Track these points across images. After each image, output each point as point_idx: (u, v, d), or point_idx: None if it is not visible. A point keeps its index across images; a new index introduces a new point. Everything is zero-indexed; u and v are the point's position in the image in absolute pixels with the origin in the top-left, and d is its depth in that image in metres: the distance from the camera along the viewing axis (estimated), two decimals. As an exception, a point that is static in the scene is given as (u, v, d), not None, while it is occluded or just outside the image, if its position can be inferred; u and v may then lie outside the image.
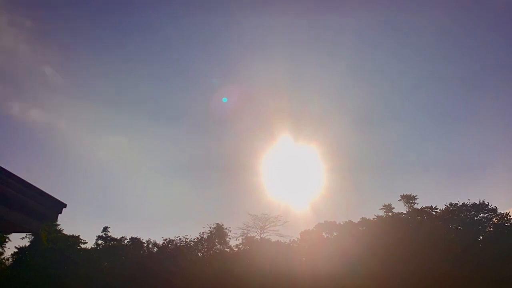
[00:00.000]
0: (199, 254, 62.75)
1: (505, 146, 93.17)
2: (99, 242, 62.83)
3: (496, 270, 43.69)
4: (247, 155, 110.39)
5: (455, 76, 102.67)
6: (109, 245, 62.25)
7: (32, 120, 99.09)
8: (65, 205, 7.46)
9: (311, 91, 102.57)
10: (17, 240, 57.88)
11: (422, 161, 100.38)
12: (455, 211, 54.77)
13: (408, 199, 59.17)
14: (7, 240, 54.58)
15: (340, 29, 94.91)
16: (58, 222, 56.54)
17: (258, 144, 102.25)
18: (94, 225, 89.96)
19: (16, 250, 56.18)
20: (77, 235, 60.91)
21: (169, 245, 61.06)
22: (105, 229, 63.47)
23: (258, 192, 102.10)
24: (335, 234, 60.41)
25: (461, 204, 54.91)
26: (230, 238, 63.31)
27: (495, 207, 53.42)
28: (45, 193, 6.93)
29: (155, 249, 61.74)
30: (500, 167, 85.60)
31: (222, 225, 63.19)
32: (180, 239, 61.58)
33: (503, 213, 52.84)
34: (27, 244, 56.46)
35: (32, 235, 54.10)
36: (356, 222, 59.85)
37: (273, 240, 61.80)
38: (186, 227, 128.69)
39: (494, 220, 53.20)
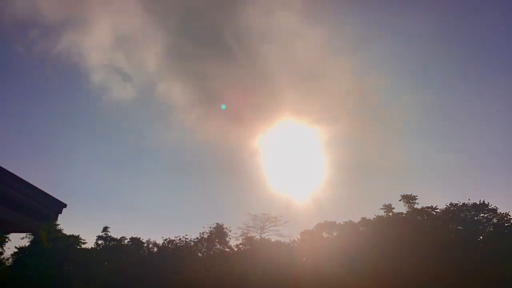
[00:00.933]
0: (199, 254, 62.75)
1: (505, 146, 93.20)
2: (99, 242, 62.82)
3: (496, 270, 43.70)
4: (247, 154, 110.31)
5: (455, 76, 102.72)
6: (109, 245, 62.24)
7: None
8: (65, 205, 7.45)
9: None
10: (17, 240, 57.92)
11: (422, 161, 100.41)
12: (455, 211, 54.75)
13: (408, 199, 59.12)
14: (7, 240, 54.43)
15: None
16: (58, 222, 56.48)
17: (257, 141, 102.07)
18: (94, 225, 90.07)
19: (16, 250, 56.21)
20: (77, 235, 60.90)
21: (169, 245, 61.06)
22: (105, 229, 63.48)
23: (258, 191, 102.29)
24: (335, 234, 60.40)
25: (461, 204, 54.88)
26: (230, 238, 63.39)
27: (495, 207, 53.44)
28: (45, 193, 6.92)
29: (155, 249, 61.75)
30: (500, 167, 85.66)
31: (222, 225, 63.25)
32: (180, 239, 61.63)
33: (503, 213, 52.84)
34: (27, 244, 56.49)
35: (32, 235, 54.09)
36: (356, 222, 59.85)
37: (273, 240, 61.88)
38: (186, 227, 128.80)
39: (494, 220, 53.17)
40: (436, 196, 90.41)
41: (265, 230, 64.25)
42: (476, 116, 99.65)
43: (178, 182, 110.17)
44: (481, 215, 53.84)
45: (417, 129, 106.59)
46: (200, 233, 62.69)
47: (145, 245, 62.59)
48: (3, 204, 6.26)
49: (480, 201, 54.15)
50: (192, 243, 61.96)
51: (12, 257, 55.97)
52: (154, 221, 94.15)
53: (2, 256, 55.13)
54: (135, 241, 62.52)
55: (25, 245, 56.48)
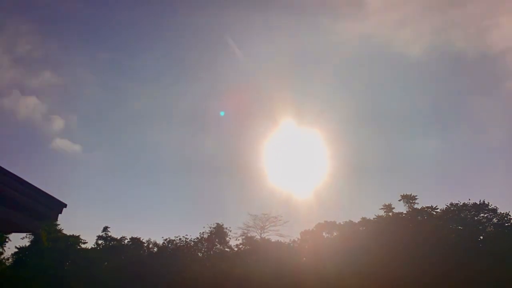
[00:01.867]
0: (199, 254, 62.78)
1: (505, 146, 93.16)
2: (99, 242, 62.87)
3: (497, 270, 43.69)
4: (246, 153, 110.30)
5: (455, 75, 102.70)
6: (109, 245, 62.27)
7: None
8: (65, 205, 7.43)
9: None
10: (17, 240, 57.97)
11: (422, 161, 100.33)
12: (455, 211, 54.72)
13: (408, 199, 59.07)
14: (7, 240, 54.59)
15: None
16: (58, 222, 56.55)
17: (257, 141, 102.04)
18: (94, 225, 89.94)
19: (16, 250, 56.29)
20: (77, 235, 60.95)
21: (169, 245, 61.09)
22: (105, 229, 63.52)
23: (258, 191, 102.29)
24: (335, 234, 60.39)
25: (461, 204, 54.82)
26: (230, 238, 63.41)
27: (495, 207, 53.38)
28: (45, 193, 6.91)
29: (155, 249, 61.77)
30: (500, 167, 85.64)
31: (222, 225, 63.26)
32: (180, 239, 61.66)
33: (503, 213, 52.80)
34: (27, 244, 56.55)
35: (32, 235, 54.14)
36: (357, 222, 59.80)
37: (273, 240, 61.88)
38: (186, 227, 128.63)
39: (495, 220, 53.15)
40: (436, 196, 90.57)
41: (265, 230, 64.30)
42: (476, 116, 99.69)
43: (178, 182, 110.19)
44: (481, 215, 53.81)
45: (417, 128, 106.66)
46: (200, 233, 62.80)
47: (145, 245, 62.64)
48: (3, 204, 6.26)
49: (480, 201, 54.13)
50: (192, 243, 61.99)
51: (12, 257, 56.06)
52: (154, 221, 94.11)
53: (2, 256, 55.25)
54: (135, 241, 62.54)
55: (25, 245, 56.59)
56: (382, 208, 59.66)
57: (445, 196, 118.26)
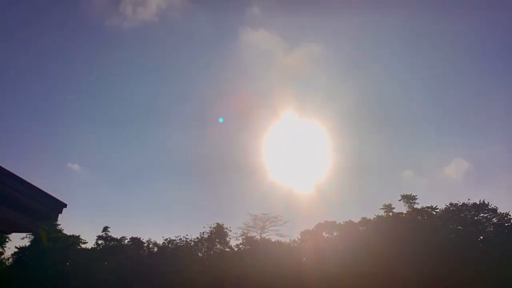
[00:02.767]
0: (199, 254, 62.81)
1: (505, 146, 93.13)
2: (100, 242, 62.89)
3: (497, 270, 43.70)
4: (246, 153, 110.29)
5: (455, 75, 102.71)
6: (109, 245, 62.30)
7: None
8: (65, 205, 7.44)
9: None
10: (17, 240, 58.04)
11: (422, 160, 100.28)
12: (455, 211, 54.74)
13: (408, 199, 59.14)
14: (7, 240, 54.64)
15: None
16: (58, 222, 56.62)
17: (257, 140, 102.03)
18: (94, 225, 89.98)
19: (16, 250, 56.29)
20: (77, 235, 61.01)
21: (170, 245, 61.11)
22: (105, 229, 63.57)
23: (258, 190, 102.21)
24: (335, 234, 60.42)
25: (461, 204, 54.86)
26: (230, 238, 63.46)
27: (495, 207, 53.42)
28: (45, 193, 6.92)
29: (156, 249, 61.79)
30: (500, 167, 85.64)
31: (222, 225, 63.29)
32: (180, 239, 61.70)
33: (503, 213, 52.83)
34: (27, 244, 56.59)
35: (32, 235, 54.17)
36: (357, 222, 59.86)
37: (273, 240, 61.89)
38: (186, 227, 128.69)
39: (494, 220, 53.17)
40: (436, 196, 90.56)
41: (265, 230, 64.33)
42: (476, 115, 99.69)
43: (178, 182, 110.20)
44: (481, 215, 53.83)
45: (418, 128, 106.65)
46: (200, 233, 62.84)
47: (145, 245, 62.66)
48: (3, 204, 6.27)
49: (480, 201, 54.17)
50: (192, 243, 62.02)
51: (13, 257, 56.10)
52: (154, 221, 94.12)
53: (2, 256, 55.29)
54: (135, 241, 62.56)
55: (25, 245, 56.64)
56: (382, 208, 59.75)
57: (445, 196, 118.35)
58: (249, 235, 63.44)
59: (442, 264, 46.19)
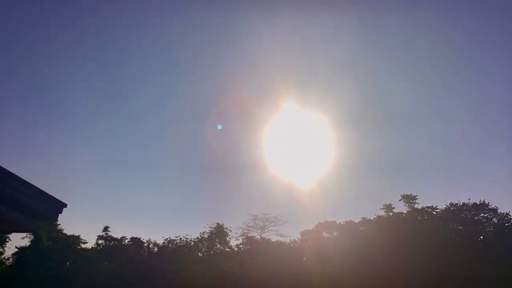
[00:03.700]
0: (199, 254, 62.83)
1: (505, 146, 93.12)
2: (100, 242, 62.88)
3: (497, 270, 43.70)
4: (246, 151, 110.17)
5: (456, 75, 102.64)
6: (109, 245, 62.29)
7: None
8: (65, 205, 7.44)
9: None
10: (18, 240, 58.06)
11: (423, 160, 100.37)
12: (455, 211, 54.74)
13: (409, 199, 59.17)
14: (7, 240, 54.69)
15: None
16: (58, 222, 56.65)
17: (257, 139, 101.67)
18: (94, 225, 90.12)
19: (16, 250, 56.26)
20: (77, 235, 61.00)
21: (170, 245, 61.11)
22: (105, 229, 63.56)
23: (258, 190, 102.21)
24: (335, 234, 60.43)
25: (461, 204, 54.85)
26: (230, 238, 63.51)
27: (495, 207, 53.41)
28: (45, 193, 6.92)
29: (156, 249, 61.78)
30: (500, 167, 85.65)
31: (223, 225, 63.33)
32: (180, 239, 61.71)
33: (503, 213, 52.82)
34: (28, 244, 56.55)
35: (32, 235, 54.17)
36: (357, 221, 59.91)
37: (273, 240, 61.91)
38: (186, 227, 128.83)
39: (494, 220, 53.16)
40: (436, 196, 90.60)
41: (265, 230, 64.39)
42: (476, 115, 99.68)
43: (178, 182, 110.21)
44: (481, 215, 53.81)
45: (418, 128, 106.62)
46: (200, 233, 62.89)
47: (146, 245, 62.64)
48: (3, 204, 6.27)
49: (480, 201, 54.15)
50: (193, 243, 62.04)
51: (13, 257, 56.06)
52: (154, 221, 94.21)
53: (2, 256, 55.30)
54: (135, 241, 62.55)
55: (25, 245, 56.60)
56: (382, 208, 59.79)
57: (445, 196, 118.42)
58: (249, 235, 63.56)
59: (442, 264, 46.17)
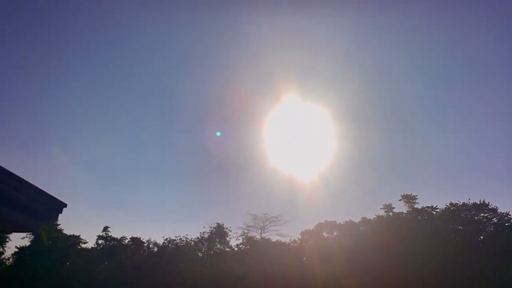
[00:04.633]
0: (199, 253, 62.83)
1: (505, 146, 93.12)
2: (100, 242, 62.86)
3: (497, 270, 43.72)
4: (246, 150, 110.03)
5: (456, 74, 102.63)
6: (109, 245, 62.28)
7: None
8: (65, 205, 7.44)
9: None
10: (18, 240, 58.21)
11: (423, 160, 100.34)
12: (455, 211, 54.72)
13: (409, 198, 59.16)
14: (7, 240, 54.74)
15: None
16: (58, 222, 56.65)
17: (256, 139, 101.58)
18: (94, 225, 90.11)
19: (16, 250, 56.29)
20: (77, 235, 61.01)
21: (170, 245, 61.10)
22: (105, 229, 63.54)
23: (258, 190, 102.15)
24: (335, 233, 60.45)
25: (461, 204, 54.82)
26: (230, 238, 63.50)
27: (495, 207, 53.37)
28: (45, 193, 6.92)
29: (156, 249, 61.77)
30: (501, 167, 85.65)
31: (223, 224, 63.32)
32: (180, 238, 61.69)
33: (503, 213, 52.79)
34: (28, 244, 56.58)
35: (32, 235, 54.20)
36: (357, 221, 59.94)
37: (273, 240, 61.95)
38: (186, 227, 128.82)
39: (494, 220, 53.12)
40: (436, 196, 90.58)
41: (265, 230, 64.42)
42: (476, 115, 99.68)
43: (178, 182, 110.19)
44: (481, 215, 53.77)
45: (418, 128, 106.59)
46: (200, 232, 62.88)
47: (145, 245, 62.63)
48: (3, 204, 6.26)
49: (480, 201, 54.13)
50: (193, 242, 62.03)
51: (13, 257, 56.10)
52: (154, 221, 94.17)
53: (2, 256, 55.34)
54: (135, 241, 62.55)
55: (25, 244, 56.63)
56: (382, 208, 59.78)
57: (445, 196, 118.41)
58: (249, 235, 63.58)
59: (442, 264, 46.19)
